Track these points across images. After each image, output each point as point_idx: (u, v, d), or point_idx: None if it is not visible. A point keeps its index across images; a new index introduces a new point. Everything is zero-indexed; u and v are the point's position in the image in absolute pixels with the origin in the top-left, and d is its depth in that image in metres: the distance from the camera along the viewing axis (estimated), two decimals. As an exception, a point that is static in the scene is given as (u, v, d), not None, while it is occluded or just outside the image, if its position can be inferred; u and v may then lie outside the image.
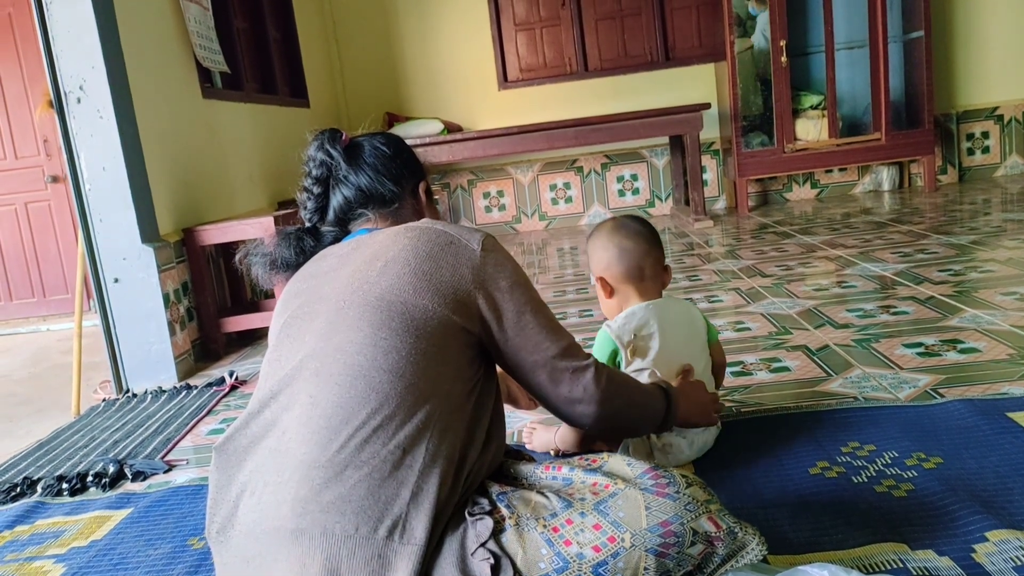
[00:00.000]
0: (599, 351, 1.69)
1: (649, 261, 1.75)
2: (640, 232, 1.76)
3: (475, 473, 1.17)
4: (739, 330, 2.71)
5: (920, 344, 2.32)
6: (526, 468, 1.27)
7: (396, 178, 1.44)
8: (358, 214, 1.43)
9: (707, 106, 5.19)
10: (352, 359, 1.14)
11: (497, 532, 1.08)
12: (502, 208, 6.25)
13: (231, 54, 4.24)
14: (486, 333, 1.24)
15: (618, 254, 1.74)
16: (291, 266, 1.42)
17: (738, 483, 1.60)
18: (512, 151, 5.29)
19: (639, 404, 1.40)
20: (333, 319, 1.19)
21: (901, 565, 1.25)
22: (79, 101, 2.92)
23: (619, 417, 1.35)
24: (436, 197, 1.57)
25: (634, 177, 6.15)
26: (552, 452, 1.79)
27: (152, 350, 3.01)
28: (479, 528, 1.08)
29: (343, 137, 1.45)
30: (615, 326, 1.70)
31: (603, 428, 1.35)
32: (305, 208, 1.46)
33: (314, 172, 1.44)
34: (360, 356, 1.14)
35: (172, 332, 3.04)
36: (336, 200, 1.43)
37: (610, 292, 1.77)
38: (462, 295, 1.21)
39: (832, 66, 5.42)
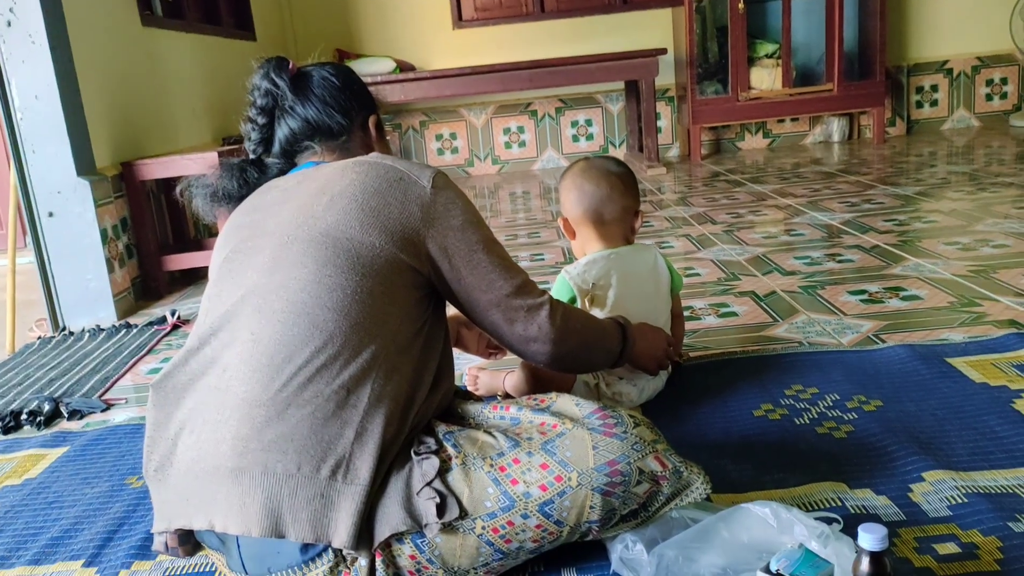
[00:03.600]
0: (557, 297, 1.64)
1: (611, 206, 1.68)
2: (605, 175, 1.69)
3: (422, 414, 1.15)
4: (689, 276, 2.72)
5: (864, 291, 2.36)
6: (474, 408, 1.26)
7: (345, 110, 1.39)
8: (304, 146, 1.38)
9: (663, 51, 5.15)
10: (296, 296, 1.11)
11: (443, 471, 1.07)
12: (455, 151, 6.16)
13: (172, -20, 4.05)
14: (436, 273, 1.21)
15: (578, 196, 1.70)
16: (234, 198, 1.36)
17: (684, 424, 1.62)
18: (465, 92, 5.19)
19: (595, 341, 1.39)
20: (277, 254, 1.15)
21: (840, 503, 1.28)
22: (9, 24, 2.76)
23: (575, 354, 1.34)
24: (388, 137, 1.52)
25: (588, 122, 6.11)
26: (499, 396, 1.77)
27: (89, 287, 2.92)
28: (425, 467, 1.07)
29: (290, 66, 1.38)
30: (574, 273, 1.65)
31: (559, 365, 1.34)
32: (249, 139, 1.40)
33: (259, 101, 1.38)
34: (304, 293, 1.11)
35: (110, 269, 2.95)
36: (281, 131, 1.38)
37: (572, 233, 1.74)
38: (411, 233, 1.17)
39: (788, 14, 5.40)
